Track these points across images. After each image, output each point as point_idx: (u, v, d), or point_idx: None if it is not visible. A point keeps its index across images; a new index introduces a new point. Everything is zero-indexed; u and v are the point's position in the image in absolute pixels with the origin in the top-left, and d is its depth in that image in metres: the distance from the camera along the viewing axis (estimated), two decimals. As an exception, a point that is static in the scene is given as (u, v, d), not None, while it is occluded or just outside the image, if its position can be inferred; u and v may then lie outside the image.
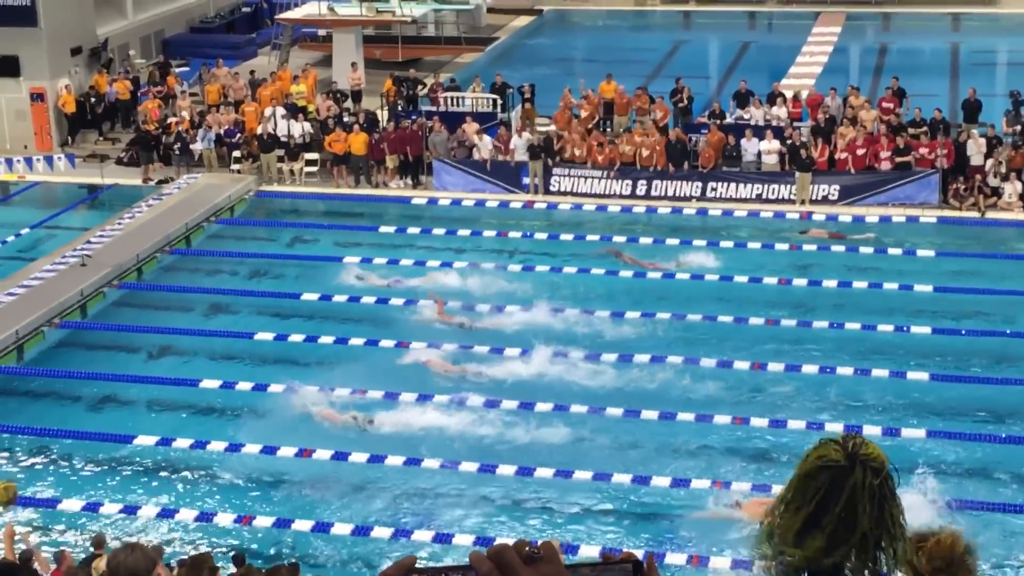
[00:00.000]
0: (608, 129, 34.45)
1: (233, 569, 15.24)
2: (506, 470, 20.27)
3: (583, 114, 34.32)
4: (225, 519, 19.30)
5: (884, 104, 33.69)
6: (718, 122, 32.91)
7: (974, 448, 20.97)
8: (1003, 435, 21.30)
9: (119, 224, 30.42)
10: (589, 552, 17.79)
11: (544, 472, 20.22)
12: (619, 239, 29.60)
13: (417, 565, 2.50)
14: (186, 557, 13.01)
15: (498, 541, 2.52)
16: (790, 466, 3.49)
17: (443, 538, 18.60)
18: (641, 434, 21.49)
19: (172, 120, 34.81)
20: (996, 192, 30.64)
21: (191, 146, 33.97)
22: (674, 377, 23.13)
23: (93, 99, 36.64)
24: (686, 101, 34.98)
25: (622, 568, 2.61)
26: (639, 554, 2.66)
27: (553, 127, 33.57)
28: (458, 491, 20.02)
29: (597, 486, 20.06)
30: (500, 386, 22.91)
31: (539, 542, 2.52)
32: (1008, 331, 24.97)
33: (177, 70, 38.67)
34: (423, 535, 18.70)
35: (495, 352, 24.06)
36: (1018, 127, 32.42)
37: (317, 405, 22.17)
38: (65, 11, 36.31)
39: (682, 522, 19.19)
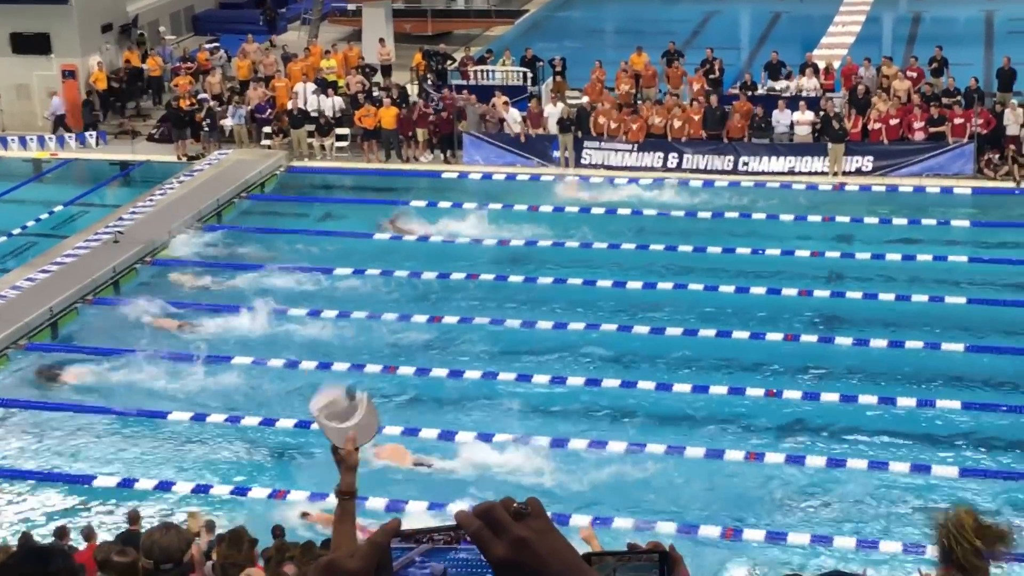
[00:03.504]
0: (638, 101, 34.27)
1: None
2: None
3: (623, 87, 34.13)
4: (260, 493, 19.38)
5: (909, 73, 33.40)
6: (749, 93, 32.72)
7: (1010, 419, 20.85)
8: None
9: (151, 200, 30.53)
10: None
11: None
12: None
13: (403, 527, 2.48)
14: (224, 532, 13.05)
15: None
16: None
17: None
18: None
19: (201, 96, 34.89)
20: (1031, 161, 30.40)
21: (221, 122, 34.04)
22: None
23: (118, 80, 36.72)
24: (717, 72, 34.77)
25: (649, 558, 2.60)
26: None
27: (585, 99, 33.43)
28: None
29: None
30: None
31: (526, 499, 2.49)
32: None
33: (207, 46, 38.71)
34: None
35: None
36: (1054, 96, 32.13)
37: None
38: (95, -12, 36.41)
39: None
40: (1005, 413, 20.95)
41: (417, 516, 17.91)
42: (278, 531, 15.99)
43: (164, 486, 19.60)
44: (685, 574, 2.75)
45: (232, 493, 19.42)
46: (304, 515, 18.38)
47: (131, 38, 38.10)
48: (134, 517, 16.60)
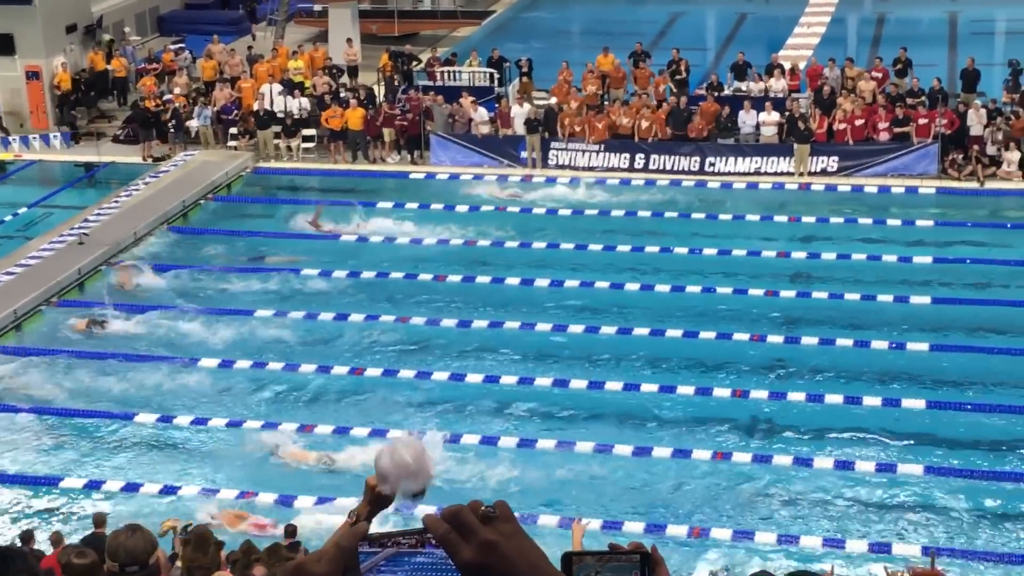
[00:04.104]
0: (606, 102, 34.29)
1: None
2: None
3: (590, 88, 34.11)
4: (228, 494, 19.29)
5: (874, 74, 33.54)
6: (715, 94, 32.78)
7: (975, 417, 20.97)
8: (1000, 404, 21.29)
9: (116, 202, 30.37)
10: None
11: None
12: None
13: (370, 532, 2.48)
14: (190, 535, 12.97)
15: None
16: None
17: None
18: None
19: (167, 97, 34.70)
20: (994, 161, 30.58)
21: (187, 123, 33.87)
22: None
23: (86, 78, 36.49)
24: (683, 73, 34.82)
25: (629, 559, 2.60)
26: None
27: (554, 100, 33.43)
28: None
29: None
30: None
31: (493, 502, 2.49)
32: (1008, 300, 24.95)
33: (172, 47, 38.51)
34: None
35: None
36: (1017, 96, 32.31)
37: None
38: (59, -12, 36.15)
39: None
40: (970, 412, 21.07)
41: (385, 517, 17.85)
42: (291, 529, 15.96)
43: (131, 487, 19.50)
44: (666, 575, 2.75)
45: (200, 493, 19.33)
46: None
47: (95, 39, 37.86)
48: (100, 520, 16.49)
